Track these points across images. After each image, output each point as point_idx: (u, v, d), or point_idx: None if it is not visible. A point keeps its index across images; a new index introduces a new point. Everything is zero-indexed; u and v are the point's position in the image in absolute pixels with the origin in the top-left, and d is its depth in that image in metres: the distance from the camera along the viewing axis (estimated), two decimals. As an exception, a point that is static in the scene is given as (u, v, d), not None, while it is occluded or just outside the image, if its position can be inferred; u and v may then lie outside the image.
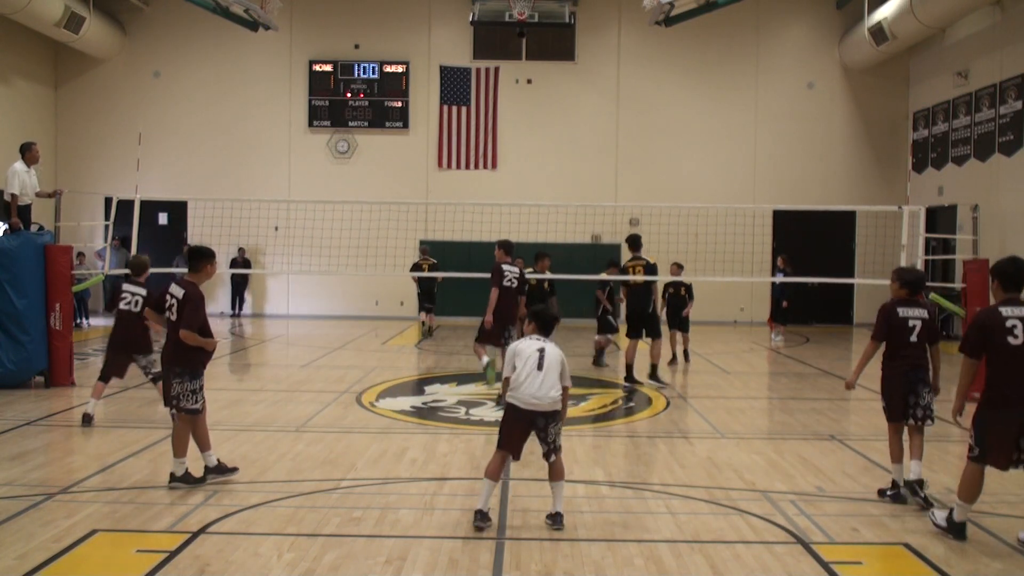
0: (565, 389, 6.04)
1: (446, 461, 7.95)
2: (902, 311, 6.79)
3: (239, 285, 22.66)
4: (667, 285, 14.63)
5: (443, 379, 12.67)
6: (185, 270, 7.16)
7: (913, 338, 6.73)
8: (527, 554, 5.57)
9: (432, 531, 5.98)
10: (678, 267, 14.62)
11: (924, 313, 6.79)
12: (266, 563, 5.34)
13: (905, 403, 6.74)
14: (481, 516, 5.96)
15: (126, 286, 9.52)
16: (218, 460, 7.09)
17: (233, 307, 22.65)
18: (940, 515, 6.06)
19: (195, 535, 5.78)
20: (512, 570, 5.33)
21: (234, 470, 7.14)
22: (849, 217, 21.58)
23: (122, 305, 9.40)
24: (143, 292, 9.35)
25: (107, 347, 9.65)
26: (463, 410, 10.39)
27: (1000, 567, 5.50)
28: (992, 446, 5.81)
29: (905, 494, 6.75)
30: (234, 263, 21.50)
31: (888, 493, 6.90)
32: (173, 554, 5.44)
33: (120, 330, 9.47)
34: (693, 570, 5.36)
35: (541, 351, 5.99)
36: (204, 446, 7.03)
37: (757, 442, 9.01)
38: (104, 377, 9.47)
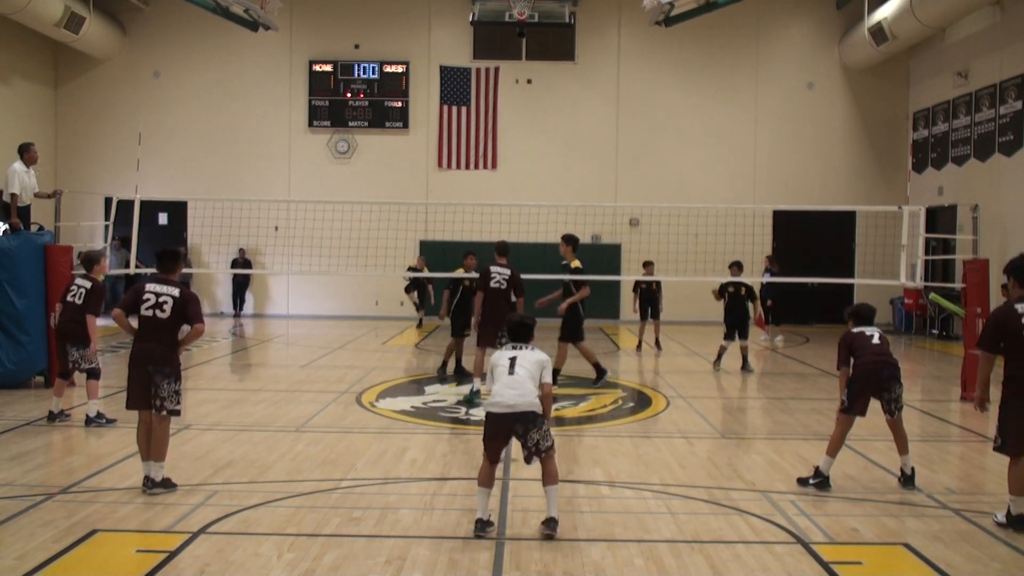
0: (543, 386, 5.98)
1: (446, 461, 7.96)
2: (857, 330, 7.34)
3: (240, 285, 22.66)
4: (638, 282, 16.43)
5: (443, 379, 12.66)
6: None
7: (876, 340, 7.23)
8: (527, 554, 5.57)
9: (432, 531, 5.98)
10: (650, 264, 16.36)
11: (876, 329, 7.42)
12: (266, 563, 5.35)
13: (879, 399, 7.15)
14: (481, 525, 5.91)
15: (78, 279, 9.51)
16: (150, 476, 6.80)
17: (234, 307, 22.66)
18: (1000, 514, 6.30)
19: (195, 535, 5.78)
20: (512, 570, 5.33)
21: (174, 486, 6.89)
22: (849, 217, 21.55)
23: (68, 297, 9.35)
24: (88, 284, 9.32)
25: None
26: (463, 410, 10.39)
27: (1000, 567, 5.50)
28: (1012, 434, 6.14)
29: (832, 484, 7.14)
30: (234, 263, 21.50)
31: (811, 482, 7.16)
32: (173, 554, 5.44)
33: (61, 320, 9.39)
34: (693, 570, 5.36)
35: (513, 358, 6.04)
36: (158, 456, 6.77)
37: (757, 442, 9.01)
38: (62, 373, 9.47)
